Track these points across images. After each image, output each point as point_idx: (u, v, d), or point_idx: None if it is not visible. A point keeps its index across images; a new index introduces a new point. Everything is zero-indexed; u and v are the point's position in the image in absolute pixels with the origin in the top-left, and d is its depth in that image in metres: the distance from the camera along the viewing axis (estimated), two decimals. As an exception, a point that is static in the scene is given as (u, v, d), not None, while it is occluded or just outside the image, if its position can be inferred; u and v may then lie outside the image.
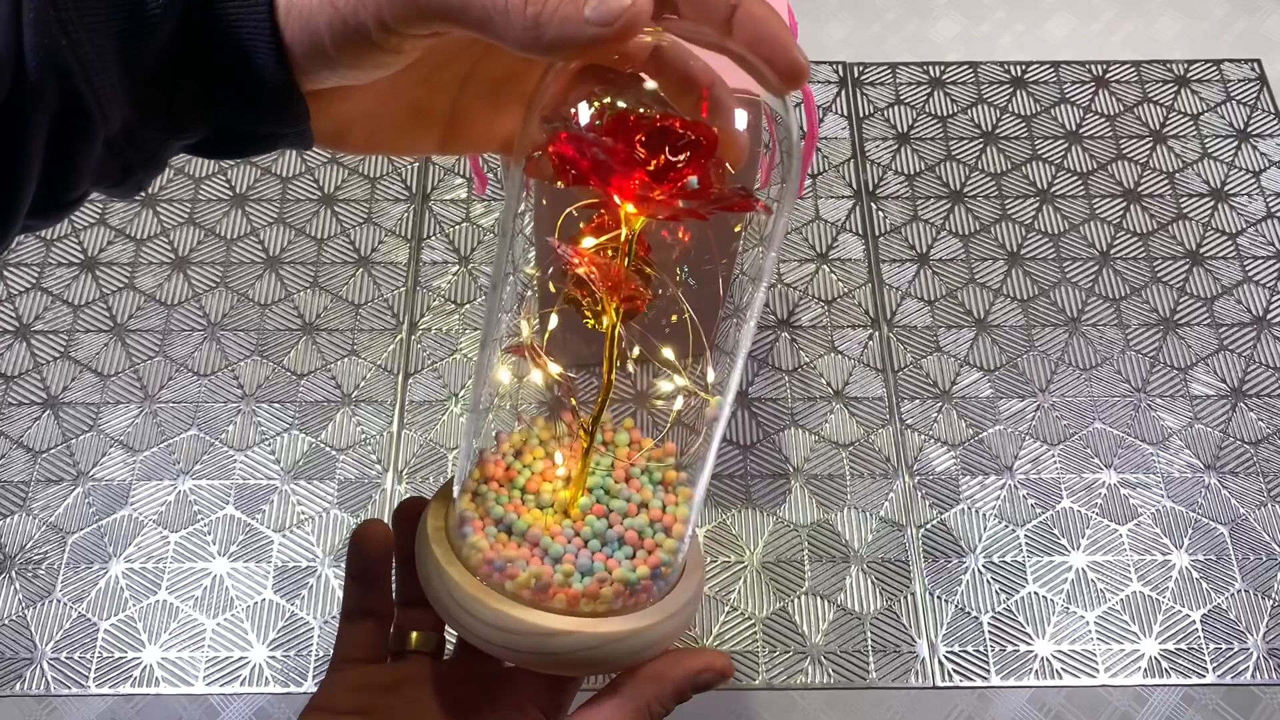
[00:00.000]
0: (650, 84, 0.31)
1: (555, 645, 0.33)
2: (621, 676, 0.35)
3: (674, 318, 0.36)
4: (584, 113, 0.31)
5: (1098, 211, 0.73)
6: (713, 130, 0.31)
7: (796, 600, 0.60)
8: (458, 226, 0.73)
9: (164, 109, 0.28)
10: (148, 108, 0.28)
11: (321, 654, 0.58)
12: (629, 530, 0.36)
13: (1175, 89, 0.79)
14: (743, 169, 0.33)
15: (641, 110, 0.31)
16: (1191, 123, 0.77)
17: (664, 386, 0.37)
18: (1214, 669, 0.58)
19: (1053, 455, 0.64)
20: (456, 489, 0.37)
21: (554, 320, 0.37)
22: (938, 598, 0.60)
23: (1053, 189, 0.74)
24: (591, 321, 0.35)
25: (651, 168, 0.31)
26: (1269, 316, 0.69)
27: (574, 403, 0.37)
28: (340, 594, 0.60)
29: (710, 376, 0.36)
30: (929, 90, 0.79)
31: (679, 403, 0.38)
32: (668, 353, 0.38)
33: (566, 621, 0.33)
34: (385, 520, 0.41)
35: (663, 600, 0.35)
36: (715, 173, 0.31)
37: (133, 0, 0.26)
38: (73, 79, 0.25)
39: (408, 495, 0.43)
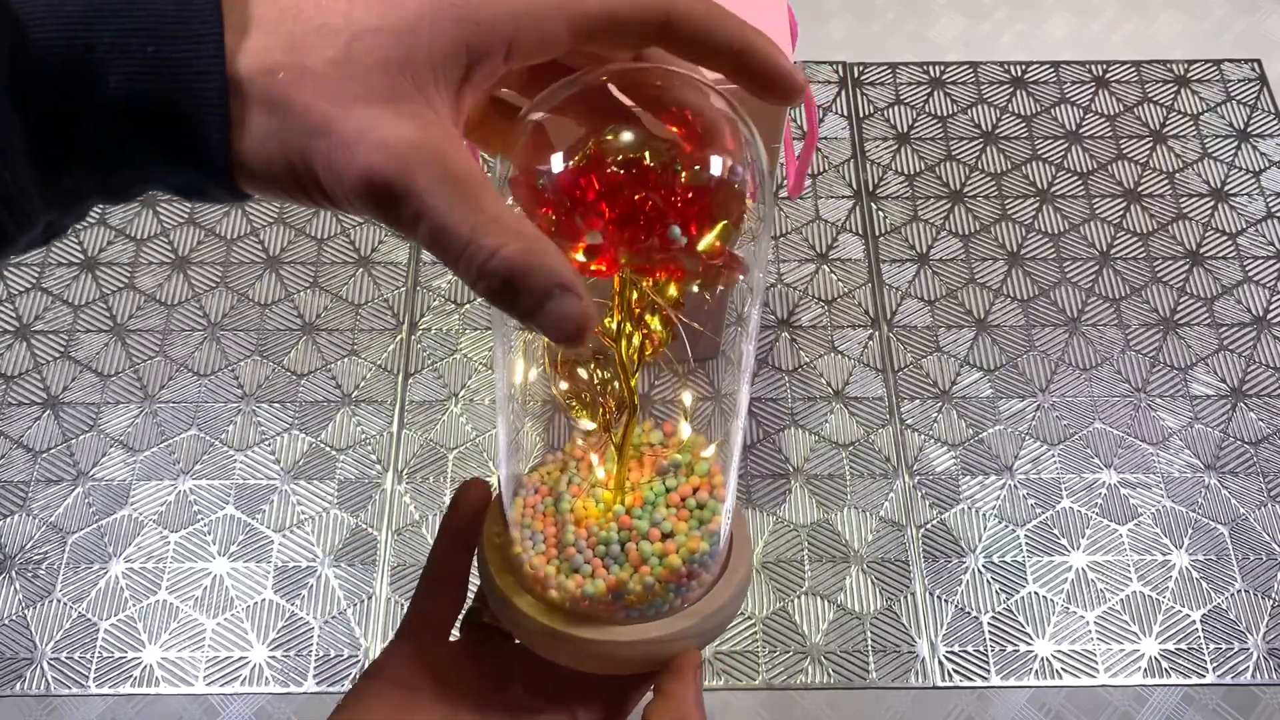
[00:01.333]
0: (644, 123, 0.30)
1: (608, 650, 0.36)
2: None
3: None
4: (560, 163, 0.29)
5: (1098, 211, 0.73)
6: (708, 186, 0.30)
7: (796, 600, 0.60)
8: (458, 226, 0.73)
9: (88, 203, 0.27)
10: (67, 211, 0.26)
11: (321, 654, 0.58)
12: (667, 521, 0.37)
13: (1175, 89, 0.79)
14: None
15: (632, 162, 0.29)
16: (1191, 123, 0.77)
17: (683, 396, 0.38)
18: (1214, 669, 0.58)
19: (1053, 455, 0.64)
20: (507, 504, 0.38)
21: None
22: (938, 598, 0.60)
23: (1053, 189, 0.74)
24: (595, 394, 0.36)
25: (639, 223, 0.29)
26: (1269, 316, 0.69)
27: (605, 416, 0.37)
28: (339, 591, 0.60)
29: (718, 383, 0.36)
30: (929, 90, 0.79)
31: (689, 400, 0.39)
32: (686, 397, 0.39)
33: (619, 632, 0.36)
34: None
35: (711, 592, 0.37)
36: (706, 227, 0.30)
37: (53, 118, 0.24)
38: None
39: (462, 486, 0.42)
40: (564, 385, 0.36)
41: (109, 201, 0.26)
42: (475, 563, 0.39)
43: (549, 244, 0.26)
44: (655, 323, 0.34)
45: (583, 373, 0.36)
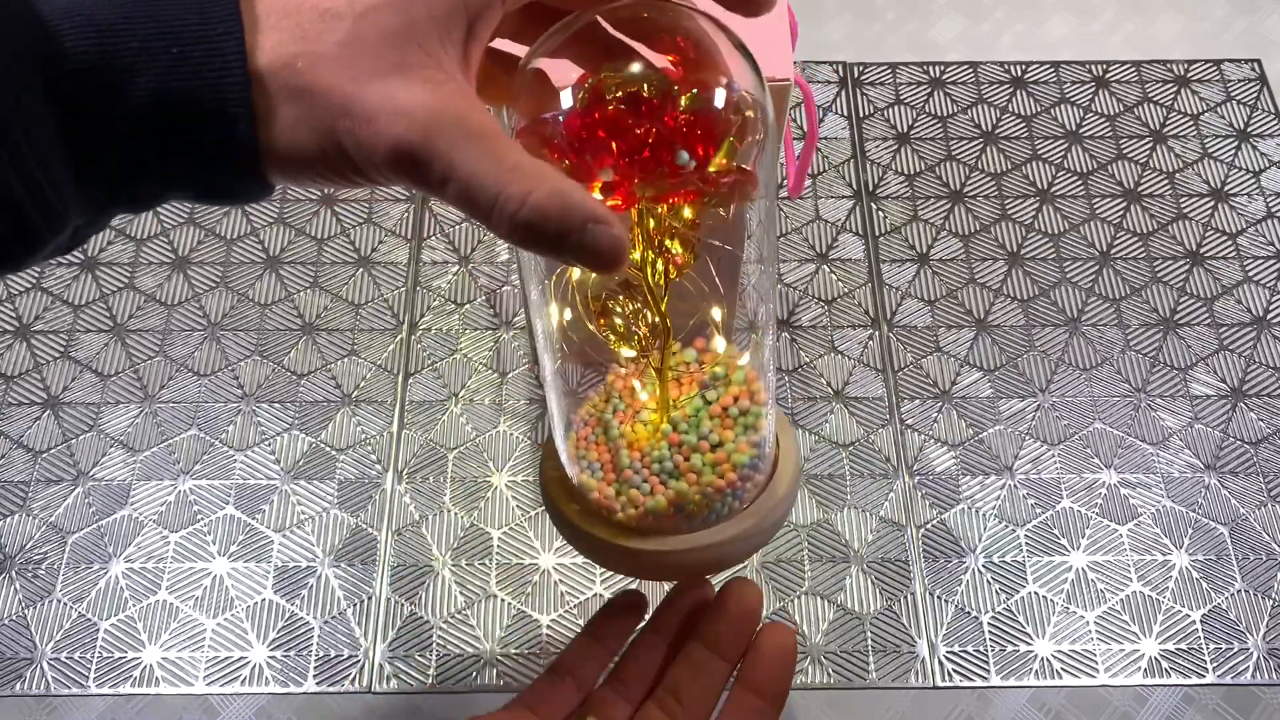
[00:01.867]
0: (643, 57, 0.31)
1: (677, 559, 0.39)
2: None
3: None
4: (569, 99, 0.31)
5: (1098, 211, 0.73)
6: (710, 113, 0.31)
7: (796, 600, 0.60)
8: (458, 226, 0.73)
9: (112, 212, 0.28)
10: (93, 219, 0.27)
11: (321, 654, 0.58)
12: (715, 433, 0.39)
13: (1175, 89, 0.79)
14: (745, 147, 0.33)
15: (634, 91, 0.30)
16: (1191, 123, 0.77)
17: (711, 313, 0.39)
18: (1214, 669, 0.58)
19: (1053, 455, 0.64)
20: (560, 441, 0.41)
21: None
22: (938, 598, 0.60)
23: (1053, 189, 0.74)
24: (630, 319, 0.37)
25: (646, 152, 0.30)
26: (1269, 316, 0.69)
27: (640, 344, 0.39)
28: (339, 591, 0.60)
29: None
30: (929, 90, 0.79)
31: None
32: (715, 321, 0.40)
33: (685, 540, 0.39)
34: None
35: (765, 492, 0.40)
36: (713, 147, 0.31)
37: (86, 121, 0.25)
38: (23, 208, 0.24)
39: (617, 599, 0.46)
40: (599, 320, 0.37)
41: (133, 210, 0.28)
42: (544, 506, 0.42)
43: (572, 182, 0.27)
44: (676, 246, 0.35)
45: (614, 305, 0.37)
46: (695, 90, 0.31)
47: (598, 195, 0.30)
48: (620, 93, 0.30)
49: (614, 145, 0.30)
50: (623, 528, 0.39)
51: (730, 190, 0.31)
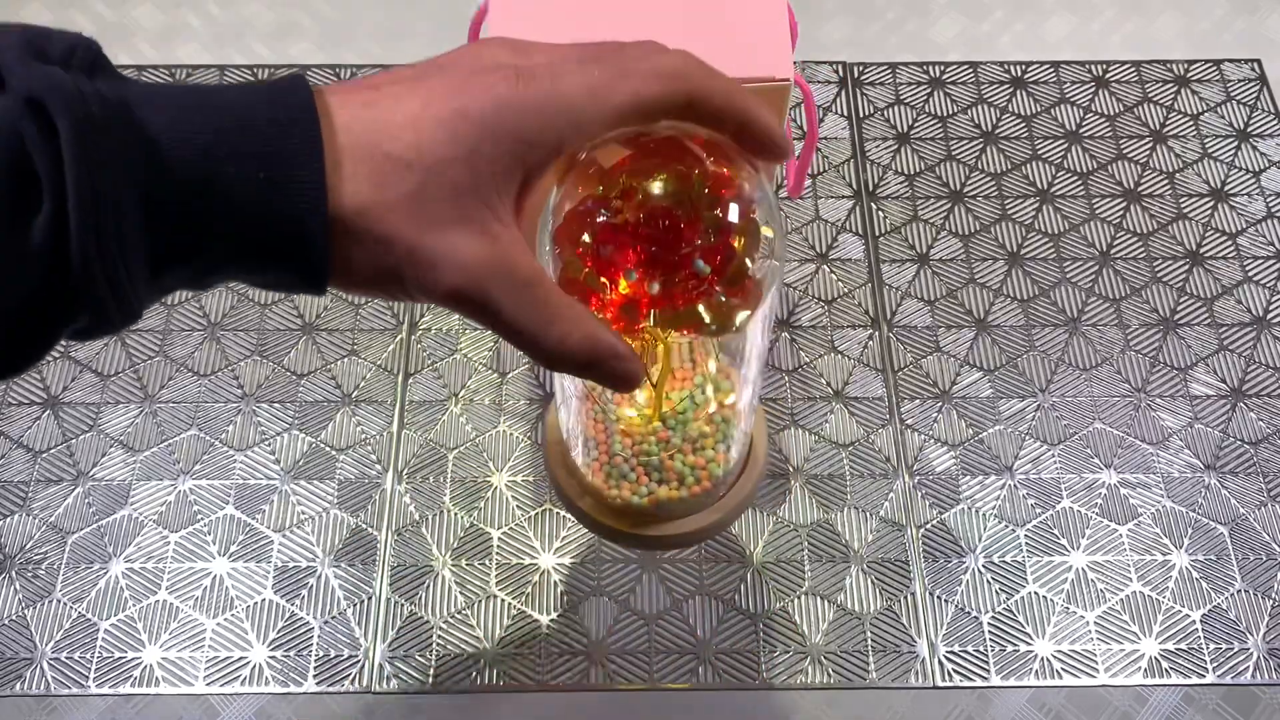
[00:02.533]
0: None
1: (656, 542, 0.46)
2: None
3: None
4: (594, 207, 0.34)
5: (1098, 211, 0.73)
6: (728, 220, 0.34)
7: (796, 600, 0.60)
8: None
9: (174, 292, 0.30)
10: (157, 300, 0.30)
11: (321, 654, 0.58)
12: (702, 442, 0.44)
13: (1175, 89, 0.79)
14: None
15: (659, 202, 0.34)
16: (1191, 123, 0.77)
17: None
18: (1214, 669, 0.58)
19: (1053, 455, 0.64)
20: (561, 412, 0.45)
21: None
22: (938, 598, 0.60)
23: (1053, 189, 0.74)
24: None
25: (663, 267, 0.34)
26: (1269, 316, 0.69)
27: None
28: (339, 591, 0.60)
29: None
30: (929, 90, 0.79)
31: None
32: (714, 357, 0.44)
33: (664, 527, 0.45)
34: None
35: (734, 488, 0.47)
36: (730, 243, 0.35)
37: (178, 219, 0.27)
38: (105, 305, 0.27)
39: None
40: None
41: (194, 290, 0.32)
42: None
43: (600, 325, 0.32)
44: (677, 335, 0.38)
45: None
46: (715, 210, 0.34)
47: (623, 289, 0.34)
48: (648, 196, 0.33)
49: (637, 248, 0.34)
50: (609, 507, 0.45)
51: (740, 298, 0.35)
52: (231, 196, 0.27)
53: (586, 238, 0.34)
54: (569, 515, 0.49)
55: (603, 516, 0.45)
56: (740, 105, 0.32)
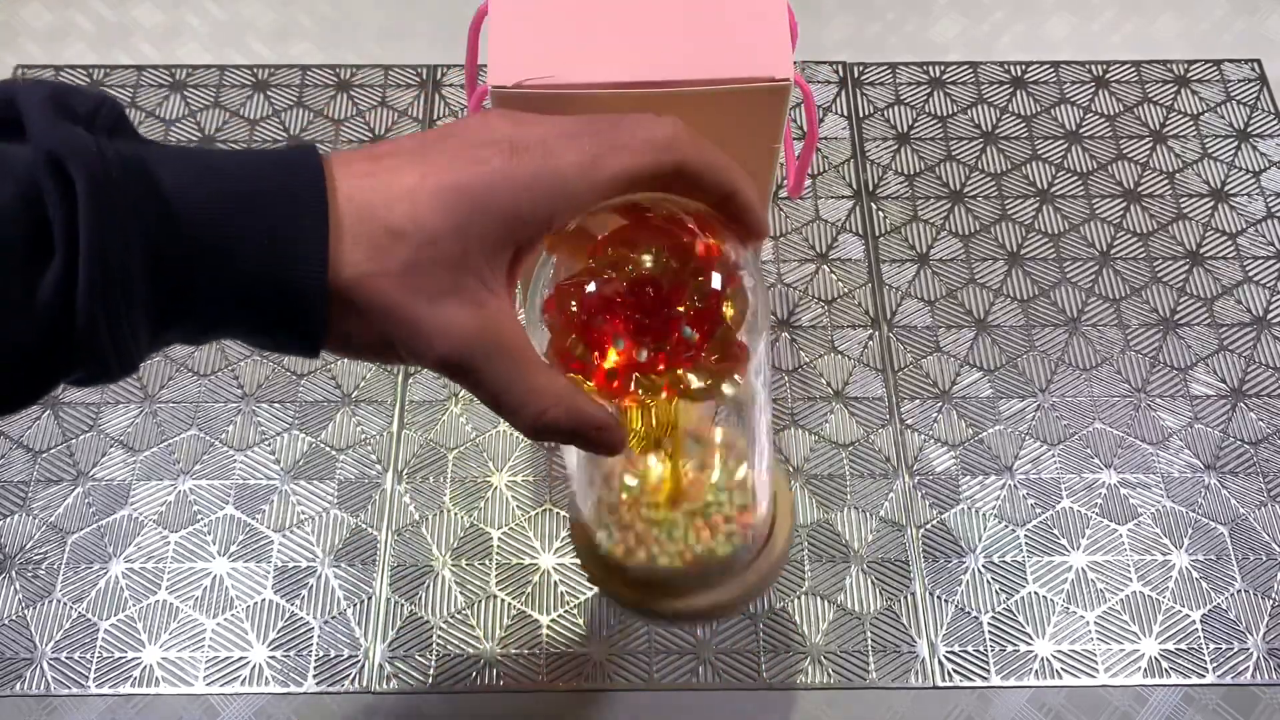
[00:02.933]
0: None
1: (679, 615, 0.45)
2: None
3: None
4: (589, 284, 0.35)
5: (1098, 211, 0.73)
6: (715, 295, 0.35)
7: (796, 600, 0.60)
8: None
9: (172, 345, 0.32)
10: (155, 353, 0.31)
11: (321, 654, 0.58)
12: (712, 517, 0.44)
13: (1175, 89, 0.79)
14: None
15: (643, 275, 0.35)
16: (1191, 123, 0.77)
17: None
18: (1214, 669, 0.58)
19: (1053, 455, 0.64)
20: (589, 516, 0.46)
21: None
22: (938, 598, 0.60)
23: (1053, 189, 0.74)
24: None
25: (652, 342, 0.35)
26: (1269, 316, 0.69)
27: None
28: (339, 591, 0.60)
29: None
30: (929, 90, 0.79)
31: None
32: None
33: (685, 601, 0.45)
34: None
35: (757, 560, 0.45)
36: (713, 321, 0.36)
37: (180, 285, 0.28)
38: (106, 358, 0.28)
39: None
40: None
41: (190, 344, 0.32)
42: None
43: (581, 397, 0.33)
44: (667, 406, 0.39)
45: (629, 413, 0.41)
46: (701, 278, 0.35)
47: (611, 358, 0.35)
48: (635, 277, 0.35)
49: (625, 316, 0.35)
50: (633, 583, 0.45)
51: (727, 364, 0.36)
52: (238, 261, 0.28)
53: (574, 307, 0.35)
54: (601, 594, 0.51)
55: (628, 591, 0.46)
56: (727, 179, 0.34)
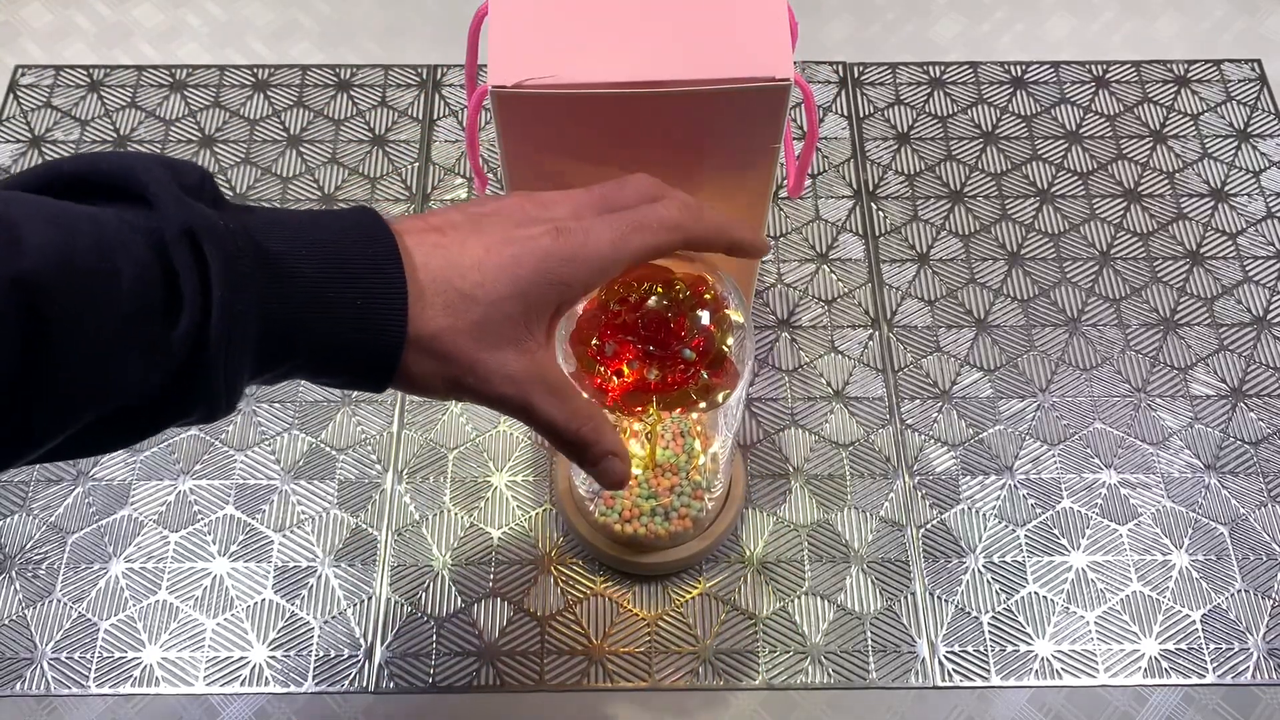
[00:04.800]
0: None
1: (648, 568, 0.59)
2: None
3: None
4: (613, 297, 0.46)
5: (1098, 211, 0.73)
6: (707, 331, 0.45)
7: (796, 600, 0.60)
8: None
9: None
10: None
11: (321, 654, 0.58)
12: (675, 487, 0.58)
13: (1175, 89, 0.79)
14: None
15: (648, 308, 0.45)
16: (1191, 123, 0.77)
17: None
18: (1214, 669, 0.58)
19: (1053, 455, 0.64)
20: (584, 492, 0.60)
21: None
22: (938, 598, 0.60)
23: (1053, 189, 0.74)
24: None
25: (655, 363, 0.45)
26: (1269, 316, 0.69)
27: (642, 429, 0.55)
28: (340, 594, 0.60)
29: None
30: (929, 90, 0.79)
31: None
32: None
33: (657, 554, 0.59)
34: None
35: (716, 521, 0.60)
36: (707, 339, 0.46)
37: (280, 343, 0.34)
38: (217, 397, 0.32)
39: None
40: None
41: (268, 385, 0.38)
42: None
43: (607, 424, 0.41)
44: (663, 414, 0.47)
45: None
46: (698, 307, 0.45)
47: (622, 375, 0.45)
48: (642, 301, 0.45)
49: (634, 340, 0.45)
50: (613, 537, 0.59)
51: (720, 378, 0.45)
52: (332, 319, 0.34)
53: (595, 340, 0.45)
54: (583, 550, 0.61)
55: (607, 547, 0.59)
56: (725, 236, 0.43)
